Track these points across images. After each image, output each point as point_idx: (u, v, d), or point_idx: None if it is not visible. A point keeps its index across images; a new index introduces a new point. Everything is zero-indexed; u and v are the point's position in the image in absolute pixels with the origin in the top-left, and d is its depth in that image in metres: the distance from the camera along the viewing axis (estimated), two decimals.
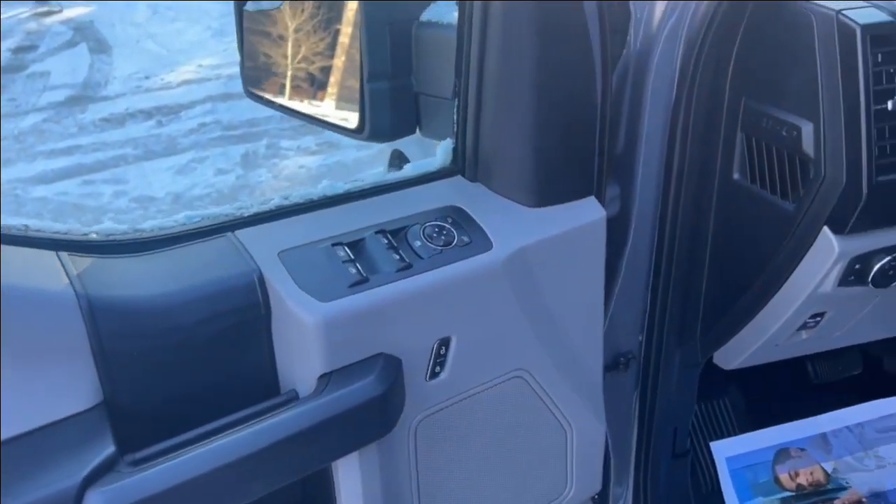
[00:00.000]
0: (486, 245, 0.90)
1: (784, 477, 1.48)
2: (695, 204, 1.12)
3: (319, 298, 0.81)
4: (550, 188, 0.96)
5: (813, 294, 1.03)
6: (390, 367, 0.84)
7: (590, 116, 0.97)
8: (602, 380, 1.09)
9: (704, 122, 1.06)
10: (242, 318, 0.82)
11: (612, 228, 1.13)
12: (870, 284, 1.01)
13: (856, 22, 0.91)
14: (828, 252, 0.98)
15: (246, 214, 0.90)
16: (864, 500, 1.45)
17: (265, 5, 1.18)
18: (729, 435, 1.51)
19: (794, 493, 1.46)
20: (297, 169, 4.01)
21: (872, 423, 1.55)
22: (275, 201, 0.92)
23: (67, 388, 0.73)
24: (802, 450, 1.52)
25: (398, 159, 2.27)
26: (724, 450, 1.48)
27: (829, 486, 1.47)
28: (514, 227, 0.93)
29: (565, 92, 0.93)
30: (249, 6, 1.20)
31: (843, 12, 0.92)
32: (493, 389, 0.96)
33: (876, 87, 0.92)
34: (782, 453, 1.51)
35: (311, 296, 0.81)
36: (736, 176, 1.09)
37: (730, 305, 1.17)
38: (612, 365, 1.23)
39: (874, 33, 0.91)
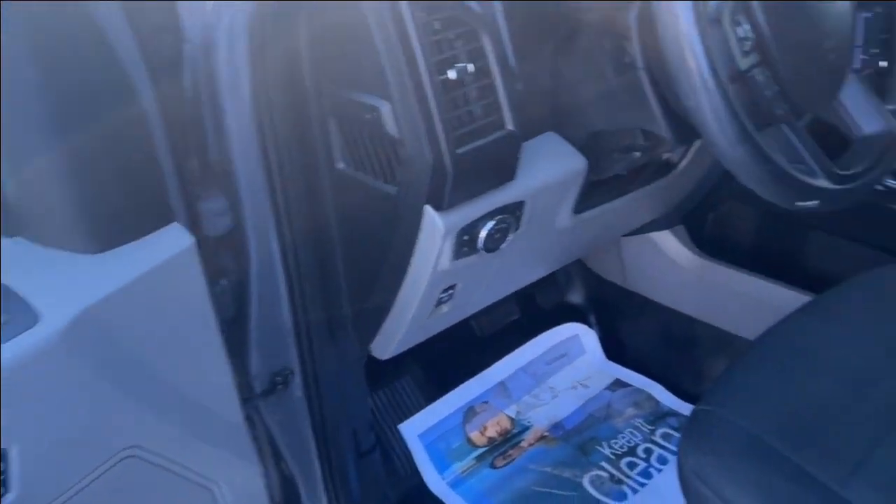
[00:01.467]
0: (29, 319, 0.73)
1: (475, 435, 1.52)
2: (307, 200, 1.04)
3: None
4: (113, 227, 0.80)
5: (435, 272, 1.01)
6: None
7: (144, 134, 0.83)
8: (242, 417, 0.98)
9: (292, 113, 0.98)
10: None
11: (231, 245, 1.02)
12: (482, 252, 1.01)
13: None
14: (435, 230, 0.96)
15: None
16: (545, 434, 1.53)
17: None
18: (419, 410, 1.50)
19: (487, 448, 1.50)
20: None
21: (540, 358, 1.65)
22: None
23: None
24: (486, 403, 1.56)
25: None
26: (412, 429, 1.47)
27: (515, 430, 1.53)
28: (71, 285, 0.76)
29: (99, 115, 0.77)
30: None
31: None
32: (96, 484, 0.80)
33: (437, 58, 0.89)
34: (469, 412, 1.54)
35: None
36: (340, 165, 1.03)
37: (369, 296, 1.12)
38: (272, 387, 1.14)
39: None
